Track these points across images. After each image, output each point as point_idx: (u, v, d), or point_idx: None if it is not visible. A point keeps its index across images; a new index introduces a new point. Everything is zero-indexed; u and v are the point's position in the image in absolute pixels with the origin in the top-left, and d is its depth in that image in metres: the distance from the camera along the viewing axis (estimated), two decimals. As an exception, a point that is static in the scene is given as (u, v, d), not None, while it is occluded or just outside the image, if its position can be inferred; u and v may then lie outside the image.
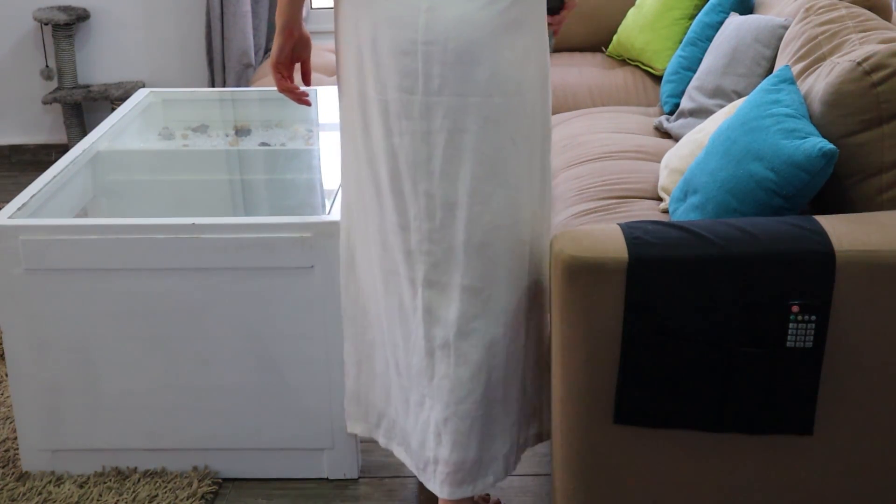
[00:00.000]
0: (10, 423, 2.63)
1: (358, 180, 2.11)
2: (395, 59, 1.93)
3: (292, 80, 2.12)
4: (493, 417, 2.10)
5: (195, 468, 2.46)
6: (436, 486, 2.13)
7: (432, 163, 1.97)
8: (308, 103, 2.16)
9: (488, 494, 2.35)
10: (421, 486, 2.44)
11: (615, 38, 4.01)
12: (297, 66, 2.15)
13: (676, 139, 3.02)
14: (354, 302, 2.22)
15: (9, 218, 2.35)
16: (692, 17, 3.62)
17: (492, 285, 2.03)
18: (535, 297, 2.12)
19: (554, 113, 3.60)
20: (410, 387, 2.13)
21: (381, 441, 2.29)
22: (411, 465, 2.21)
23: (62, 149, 4.55)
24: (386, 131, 1.99)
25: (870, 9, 2.51)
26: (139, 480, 2.43)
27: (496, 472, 2.14)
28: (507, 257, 2.03)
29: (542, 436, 2.23)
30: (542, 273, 2.12)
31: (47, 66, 4.55)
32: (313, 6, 4.64)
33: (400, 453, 2.24)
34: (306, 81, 2.17)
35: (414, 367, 2.10)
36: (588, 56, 4.10)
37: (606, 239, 1.81)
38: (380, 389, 2.24)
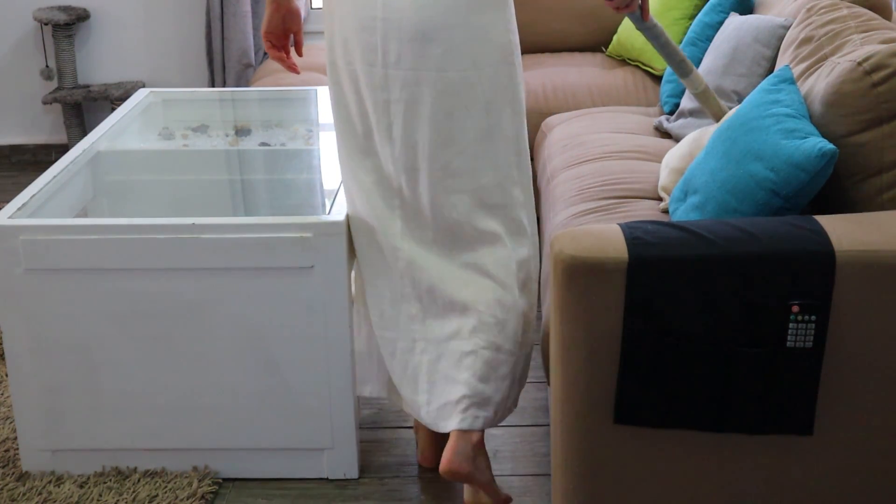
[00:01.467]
0: (10, 423, 2.62)
1: (344, 146, 2.25)
2: (358, 35, 2.10)
3: (287, 52, 2.32)
4: (484, 360, 2.18)
5: (195, 468, 2.46)
6: (430, 421, 2.25)
7: (393, 130, 2.13)
8: (297, 71, 2.38)
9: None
10: (422, 485, 2.44)
11: (615, 38, 4.01)
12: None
13: (676, 139, 3.02)
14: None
15: (9, 218, 2.35)
16: (692, 17, 3.62)
17: (461, 242, 2.18)
18: (522, 262, 2.22)
19: (554, 113, 3.61)
20: (397, 336, 2.28)
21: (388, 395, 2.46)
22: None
23: (62, 149, 4.55)
24: (358, 98, 2.17)
25: (870, 9, 2.51)
26: (139, 480, 2.42)
27: (486, 417, 2.20)
28: (475, 219, 2.16)
29: (516, 402, 2.34)
30: (524, 238, 2.21)
31: (47, 66, 4.55)
32: (313, 6, 4.64)
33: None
34: (298, 51, 2.38)
35: (402, 315, 2.25)
36: (588, 56, 4.10)
37: (606, 239, 1.81)
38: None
